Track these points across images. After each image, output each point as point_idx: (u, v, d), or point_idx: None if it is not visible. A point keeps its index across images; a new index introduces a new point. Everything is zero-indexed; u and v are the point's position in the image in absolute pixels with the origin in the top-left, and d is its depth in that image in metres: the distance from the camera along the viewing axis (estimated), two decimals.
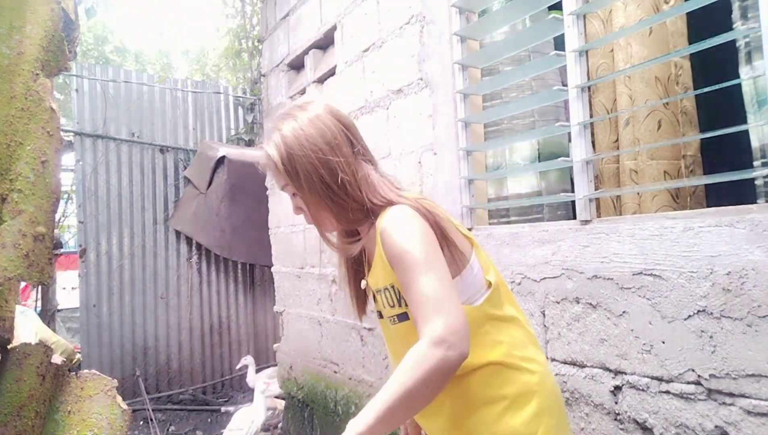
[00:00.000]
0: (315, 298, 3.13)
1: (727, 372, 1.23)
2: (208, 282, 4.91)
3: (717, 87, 1.32)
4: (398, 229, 0.98)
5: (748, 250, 1.19)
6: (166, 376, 4.68)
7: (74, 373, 1.72)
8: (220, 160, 4.41)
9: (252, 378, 3.90)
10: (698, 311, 1.28)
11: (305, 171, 1.05)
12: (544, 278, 1.67)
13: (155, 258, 4.71)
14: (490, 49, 1.99)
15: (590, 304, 1.54)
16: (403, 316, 1.04)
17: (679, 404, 1.33)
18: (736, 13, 1.40)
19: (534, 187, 2.04)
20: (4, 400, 1.51)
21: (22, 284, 2.20)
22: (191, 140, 4.94)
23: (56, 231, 4.78)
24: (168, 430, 4.09)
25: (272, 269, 3.71)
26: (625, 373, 1.45)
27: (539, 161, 2.00)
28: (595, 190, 1.64)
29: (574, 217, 1.68)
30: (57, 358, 1.66)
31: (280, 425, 3.58)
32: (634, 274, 1.42)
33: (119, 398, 1.69)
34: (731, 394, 1.22)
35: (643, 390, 1.41)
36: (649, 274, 1.38)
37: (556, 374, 1.62)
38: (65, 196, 5.22)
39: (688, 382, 1.31)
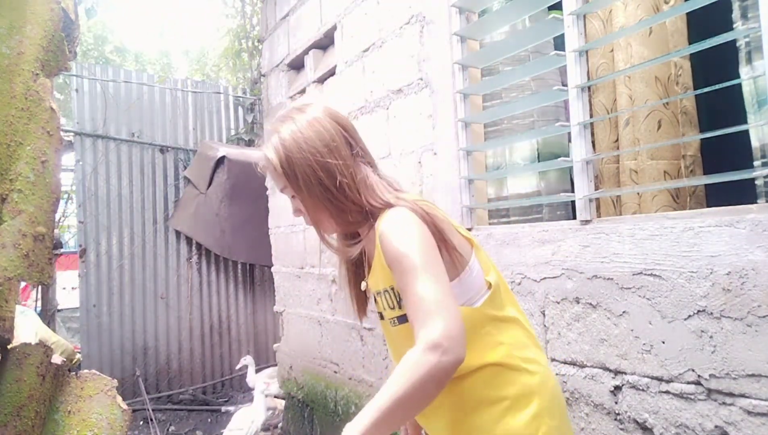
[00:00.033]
0: (315, 298, 3.13)
1: (727, 372, 1.23)
2: (208, 282, 4.91)
3: (717, 87, 1.32)
4: (396, 232, 0.98)
5: (748, 250, 1.19)
6: (166, 376, 4.68)
7: (74, 373, 1.72)
8: (220, 160, 4.41)
9: (252, 378, 3.90)
10: (698, 311, 1.28)
11: (304, 174, 1.05)
12: (544, 278, 1.67)
13: (155, 258, 4.70)
14: (490, 49, 1.99)
15: (590, 304, 1.54)
16: (403, 318, 1.04)
17: (679, 404, 1.33)
18: (736, 13, 1.40)
19: (534, 187, 2.04)
20: (4, 400, 1.51)
21: (22, 284, 2.20)
22: (191, 140, 4.94)
23: (56, 231, 4.78)
24: (168, 430, 4.09)
25: (272, 269, 3.71)
26: (625, 373, 1.45)
27: (539, 161, 2.00)
28: (595, 190, 1.64)
29: (574, 217, 1.68)
30: (57, 358, 1.66)
31: (280, 425, 3.58)
32: (634, 274, 1.42)
33: (119, 398, 1.69)
34: (731, 394, 1.22)
35: (643, 390, 1.41)
36: (649, 274, 1.38)
37: (556, 374, 1.62)
38: (65, 196, 5.21)
39: (688, 382, 1.31)
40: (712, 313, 1.25)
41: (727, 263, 1.22)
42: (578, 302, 1.57)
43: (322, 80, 3.10)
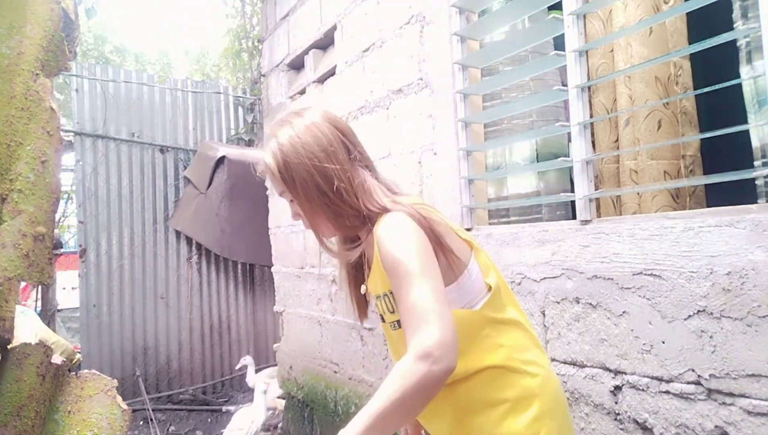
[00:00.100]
0: (315, 298, 3.13)
1: (727, 372, 1.23)
2: (208, 282, 4.91)
3: (717, 87, 1.32)
4: (391, 238, 0.98)
5: (748, 250, 1.19)
6: (166, 376, 4.68)
7: (74, 373, 1.72)
8: (220, 160, 4.41)
9: (252, 378, 3.90)
10: (698, 311, 1.28)
11: (301, 178, 1.05)
12: (544, 278, 1.67)
13: (155, 258, 4.70)
14: (490, 49, 1.99)
15: (590, 304, 1.54)
16: None
17: (679, 404, 1.33)
18: (736, 13, 1.40)
19: (534, 187, 2.04)
20: (4, 400, 1.51)
21: (22, 284, 2.20)
22: (191, 140, 4.94)
23: (56, 231, 4.78)
24: (168, 430, 4.09)
25: (272, 269, 3.71)
26: (625, 373, 1.45)
27: (538, 161, 2.01)
28: (595, 190, 1.64)
29: (574, 217, 1.68)
30: (57, 358, 1.66)
31: (280, 425, 3.58)
32: (634, 274, 1.42)
33: (119, 398, 1.69)
34: (731, 394, 1.22)
35: (643, 390, 1.41)
36: (649, 274, 1.38)
37: (557, 374, 1.62)
38: (65, 196, 5.21)
39: (688, 382, 1.31)
40: (712, 313, 1.25)
41: (727, 263, 1.22)
42: (578, 302, 1.57)
43: (322, 80, 3.10)
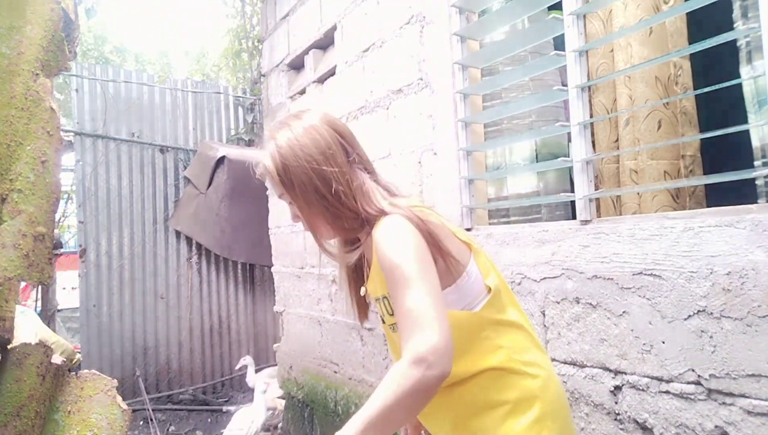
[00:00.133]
0: (315, 298, 3.13)
1: (727, 372, 1.23)
2: (208, 282, 4.91)
3: (717, 87, 1.32)
4: (388, 242, 0.98)
5: (748, 250, 1.19)
6: (166, 376, 4.68)
7: (74, 373, 1.72)
8: (220, 160, 4.41)
9: (252, 378, 3.90)
10: (698, 311, 1.28)
11: (300, 181, 1.06)
12: (544, 278, 1.67)
13: (155, 258, 4.70)
14: (490, 49, 1.99)
15: (590, 304, 1.54)
16: None
17: (679, 404, 1.33)
18: (736, 13, 1.40)
19: (534, 188, 2.04)
20: (4, 400, 1.51)
21: (22, 284, 2.20)
22: (191, 140, 4.94)
23: (56, 231, 4.78)
24: (168, 430, 4.09)
25: (272, 269, 3.71)
26: (625, 373, 1.45)
27: (537, 162, 2.01)
28: (595, 190, 1.64)
29: (573, 217, 1.68)
30: (57, 358, 1.66)
31: (280, 425, 3.58)
32: (634, 274, 1.42)
33: (119, 398, 1.69)
34: (731, 394, 1.22)
35: (643, 390, 1.41)
36: (649, 274, 1.38)
37: (557, 374, 1.62)
38: (65, 196, 5.21)
39: (688, 382, 1.31)
40: (712, 313, 1.25)
41: (727, 263, 1.22)
42: (578, 302, 1.57)
43: (322, 80, 3.10)
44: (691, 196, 1.79)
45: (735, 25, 1.40)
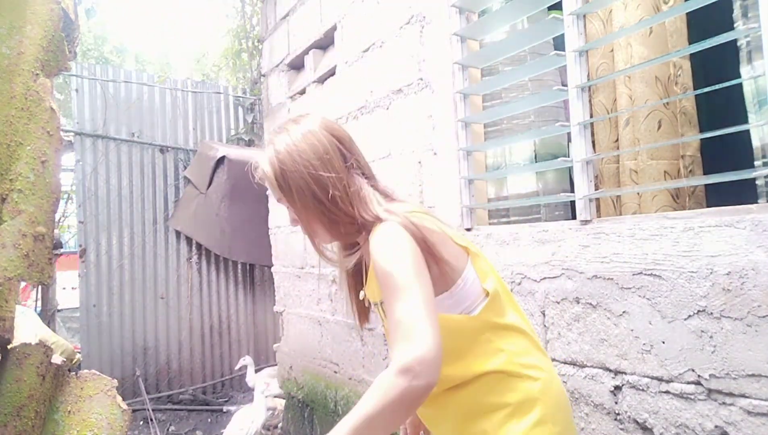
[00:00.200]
0: (315, 298, 3.13)
1: (727, 372, 1.23)
2: (208, 282, 4.91)
3: (717, 87, 1.32)
4: (382, 250, 0.98)
5: (748, 250, 1.19)
6: (166, 376, 4.68)
7: (74, 373, 1.72)
8: (220, 160, 4.41)
9: (252, 378, 3.90)
10: (698, 311, 1.28)
11: (297, 186, 1.06)
12: (544, 278, 1.67)
13: (155, 258, 4.70)
14: (490, 49, 1.99)
15: (590, 304, 1.54)
16: None
17: (679, 404, 1.33)
18: (737, 12, 1.40)
19: (533, 188, 2.04)
20: (4, 400, 1.51)
21: (22, 284, 2.20)
22: (191, 140, 4.94)
23: (56, 231, 4.77)
24: (168, 430, 4.09)
25: (272, 269, 3.71)
26: (625, 373, 1.45)
27: (536, 162, 2.01)
28: (595, 190, 1.64)
29: (572, 217, 1.68)
30: (57, 358, 1.66)
31: (280, 425, 3.58)
32: (634, 274, 1.42)
33: (119, 398, 1.69)
34: (731, 394, 1.22)
35: (643, 390, 1.41)
36: (649, 274, 1.38)
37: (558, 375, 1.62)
38: (65, 196, 5.21)
39: (688, 382, 1.31)
40: (712, 313, 1.25)
41: (727, 263, 1.22)
42: (578, 302, 1.57)
43: (322, 80, 3.10)
44: (691, 196, 1.79)
45: (735, 25, 1.40)
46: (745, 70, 1.39)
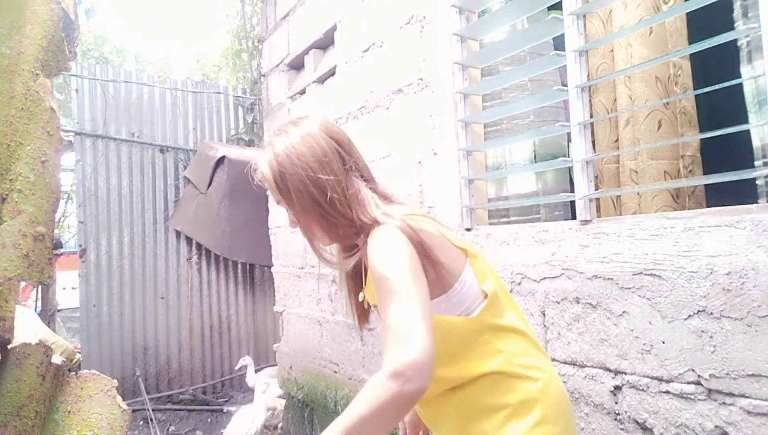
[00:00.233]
0: (315, 298, 3.13)
1: (727, 372, 1.23)
2: (208, 282, 4.91)
3: (717, 87, 1.32)
4: (377, 253, 0.98)
5: (748, 250, 1.19)
6: (166, 376, 4.68)
7: (74, 373, 1.72)
8: (220, 160, 4.41)
9: (252, 378, 3.90)
10: (698, 311, 1.28)
11: (296, 188, 1.07)
12: (544, 278, 1.67)
13: (155, 258, 4.70)
14: (490, 49, 1.99)
15: (590, 304, 1.54)
16: None
17: (679, 404, 1.33)
18: (737, 13, 1.40)
19: (533, 188, 2.04)
20: (4, 400, 1.51)
21: (22, 284, 2.20)
22: (191, 140, 4.94)
23: (56, 231, 4.77)
24: (168, 430, 4.09)
25: (272, 269, 3.71)
26: (625, 373, 1.45)
27: (536, 162, 2.01)
28: (595, 190, 1.64)
29: (572, 217, 1.68)
30: (57, 358, 1.66)
31: (280, 425, 3.58)
32: (634, 274, 1.42)
33: (119, 398, 1.69)
34: (731, 394, 1.22)
35: (643, 390, 1.41)
36: (649, 274, 1.38)
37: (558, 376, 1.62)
38: (65, 196, 5.21)
39: (688, 382, 1.31)
40: (712, 313, 1.25)
41: (727, 263, 1.22)
42: (578, 302, 1.57)
43: (322, 80, 3.10)
44: (691, 196, 1.79)
45: (735, 25, 1.40)
46: (745, 70, 1.39)
